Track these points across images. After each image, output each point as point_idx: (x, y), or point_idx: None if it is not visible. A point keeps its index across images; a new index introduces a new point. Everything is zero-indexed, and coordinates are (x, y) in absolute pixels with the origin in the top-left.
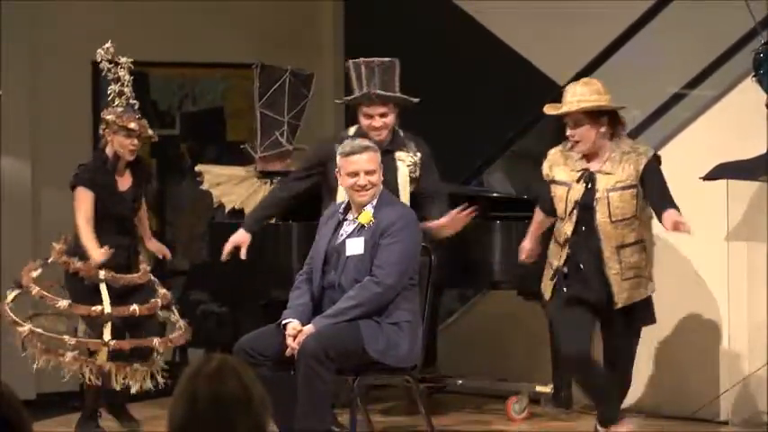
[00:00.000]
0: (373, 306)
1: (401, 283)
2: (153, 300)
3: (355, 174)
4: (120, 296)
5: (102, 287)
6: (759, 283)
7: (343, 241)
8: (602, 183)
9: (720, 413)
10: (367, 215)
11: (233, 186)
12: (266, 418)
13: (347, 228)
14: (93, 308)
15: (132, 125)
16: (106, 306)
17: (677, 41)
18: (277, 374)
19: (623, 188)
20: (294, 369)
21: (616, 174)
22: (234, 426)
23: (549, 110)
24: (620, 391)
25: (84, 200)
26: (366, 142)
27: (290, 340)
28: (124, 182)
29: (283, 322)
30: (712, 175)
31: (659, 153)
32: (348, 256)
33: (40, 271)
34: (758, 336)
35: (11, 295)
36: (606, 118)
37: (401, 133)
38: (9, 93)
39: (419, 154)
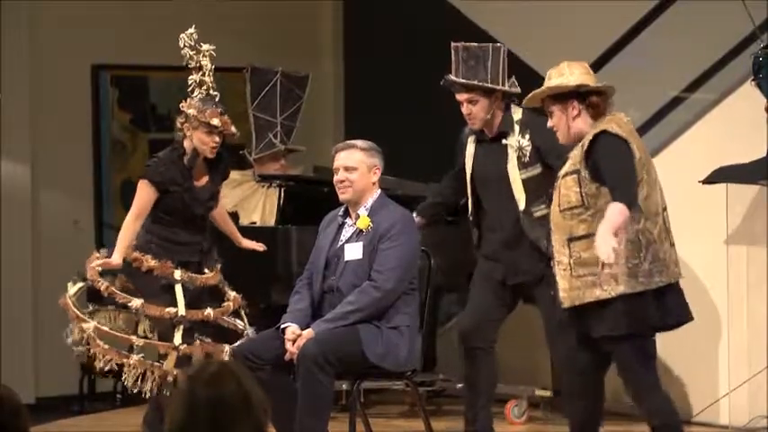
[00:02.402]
0: (372, 310)
1: (400, 287)
2: (225, 303)
3: (337, 169)
4: (192, 298)
5: (178, 288)
6: (759, 287)
7: (342, 246)
8: (563, 169)
9: (720, 417)
10: (365, 220)
11: (229, 190)
12: (265, 422)
13: (346, 232)
14: (167, 309)
15: (215, 121)
16: (180, 308)
17: (677, 45)
18: (276, 378)
19: (567, 174)
20: (293, 373)
21: (572, 158)
22: (233, 429)
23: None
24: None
25: (142, 194)
26: (354, 141)
27: (289, 344)
28: (200, 179)
29: (282, 326)
30: (712, 179)
31: (613, 130)
32: (347, 261)
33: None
34: (758, 339)
35: (74, 288)
36: (575, 100)
37: (514, 117)
38: (9, 95)
39: (527, 136)
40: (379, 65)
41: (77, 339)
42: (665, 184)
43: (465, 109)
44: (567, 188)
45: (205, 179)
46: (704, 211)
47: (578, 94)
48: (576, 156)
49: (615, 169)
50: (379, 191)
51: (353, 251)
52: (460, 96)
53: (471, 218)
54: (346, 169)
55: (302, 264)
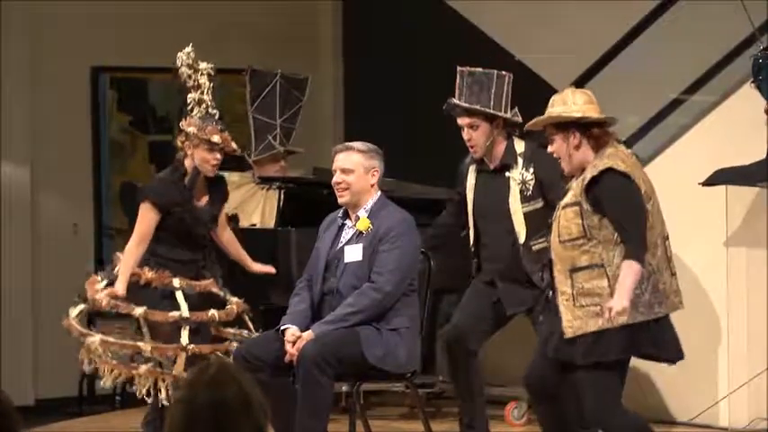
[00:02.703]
0: (372, 312)
1: (400, 289)
2: (228, 307)
3: (335, 172)
4: (194, 303)
5: (178, 294)
6: (758, 288)
7: (342, 248)
8: (562, 201)
9: (719, 419)
10: (365, 222)
11: (229, 192)
12: (265, 424)
13: (346, 234)
14: (171, 314)
15: (215, 138)
16: (184, 311)
17: (676, 47)
18: (276, 380)
19: (567, 206)
20: (292, 375)
21: (573, 189)
22: None
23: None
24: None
25: (145, 218)
26: (353, 143)
27: (288, 346)
28: (201, 198)
29: (282, 328)
30: (711, 181)
31: (619, 168)
32: (347, 263)
33: (105, 283)
34: (757, 341)
35: (75, 310)
36: (576, 131)
37: (516, 149)
38: (9, 97)
39: (531, 170)
40: (379, 66)
41: (85, 359)
42: (665, 186)
43: (466, 134)
44: (568, 220)
45: (205, 199)
46: (704, 213)
47: (580, 125)
48: (576, 188)
49: (624, 216)
50: (378, 193)
51: (353, 253)
52: (462, 121)
53: (472, 249)
54: (343, 171)
55: (302, 266)
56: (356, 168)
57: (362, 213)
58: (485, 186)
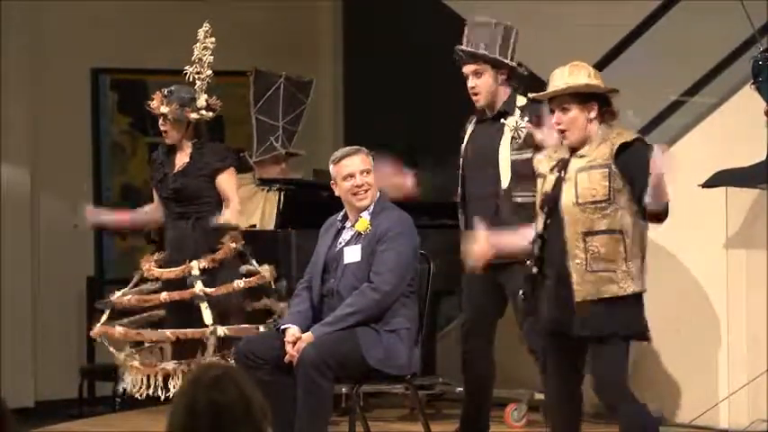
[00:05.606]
0: (371, 313)
1: (399, 289)
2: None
3: (351, 176)
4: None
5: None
6: (758, 290)
7: (341, 249)
8: (573, 165)
9: (720, 421)
10: (363, 223)
11: None
12: (265, 426)
13: (345, 236)
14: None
15: (151, 104)
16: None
17: (676, 49)
18: (276, 379)
19: (593, 167)
20: (293, 375)
21: (590, 155)
22: None
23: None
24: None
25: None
26: (354, 147)
27: (288, 347)
28: (177, 165)
29: (282, 327)
30: (711, 183)
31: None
32: (346, 264)
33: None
34: (757, 343)
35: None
36: (596, 104)
37: (517, 102)
38: (9, 98)
39: (526, 119)
40: (379, 67)
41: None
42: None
43: (470, 83)
44: (593, 182)
45: (182, 165)
46: (704, 215)
47: (602, 99)
48: (602, 152)
49: (645, 173)
50: (378, 193)
51: (352, 254)
52: (467, 68)
53: (459, 200)
54: (363, 173)
55: (302, 267)
56: (372, 169)
57: (365, 215)
58: (480, 134)
